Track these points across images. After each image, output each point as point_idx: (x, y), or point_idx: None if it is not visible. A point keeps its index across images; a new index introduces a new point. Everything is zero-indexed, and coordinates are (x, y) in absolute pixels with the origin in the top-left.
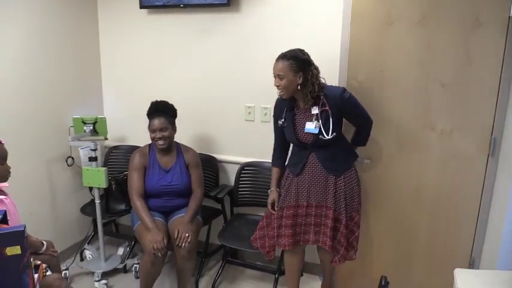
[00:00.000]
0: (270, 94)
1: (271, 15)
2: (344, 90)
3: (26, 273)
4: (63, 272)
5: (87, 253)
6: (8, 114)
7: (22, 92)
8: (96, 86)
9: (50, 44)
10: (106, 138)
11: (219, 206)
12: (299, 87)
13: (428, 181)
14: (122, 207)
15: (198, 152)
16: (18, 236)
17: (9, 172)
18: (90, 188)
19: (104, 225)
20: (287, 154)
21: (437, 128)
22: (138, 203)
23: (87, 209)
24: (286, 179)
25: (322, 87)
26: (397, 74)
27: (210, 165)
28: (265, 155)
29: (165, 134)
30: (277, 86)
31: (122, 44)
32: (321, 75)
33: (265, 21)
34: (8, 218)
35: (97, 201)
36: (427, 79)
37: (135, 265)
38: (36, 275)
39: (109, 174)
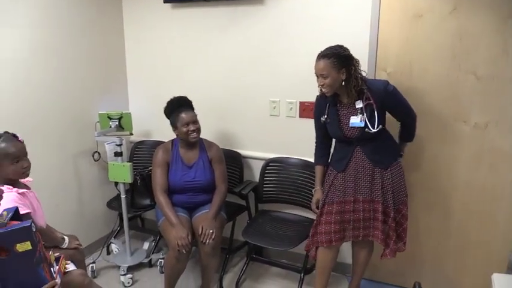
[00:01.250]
0: (295, 88)
1: (297, 8)
2: (388, 83)
3: (41, 268)
4: (90, 265)
5: (114, 247)
6: (37, 109)
7: (50, 88)
8: (121, 81)
9: (76, 40)
10: (131, 134)
11: (243, 202)
12: (343, 83)
13: (460, 176)
14: (147, 202)
15: (222, 147)
16: (26, 232)
17: (25, 169)
18: (116, 183)
19: (130, 219)
20: (329, 151)
21: (470, 121)
22: (161, 199)
23: (113, 203)
24: (328, 176)
25: (365, 80)
26: (427, 65)
27: (235, 161)
28: (290, 150)
29: (198, 126)
30: (322, 85)
31: (146, 39)
32: None
33: (290, 13)
34: (30, 211)
35: (122, 196)
36: (459, 71)
37: (160, 260)
38: (56, 267)
39: (134, 169)
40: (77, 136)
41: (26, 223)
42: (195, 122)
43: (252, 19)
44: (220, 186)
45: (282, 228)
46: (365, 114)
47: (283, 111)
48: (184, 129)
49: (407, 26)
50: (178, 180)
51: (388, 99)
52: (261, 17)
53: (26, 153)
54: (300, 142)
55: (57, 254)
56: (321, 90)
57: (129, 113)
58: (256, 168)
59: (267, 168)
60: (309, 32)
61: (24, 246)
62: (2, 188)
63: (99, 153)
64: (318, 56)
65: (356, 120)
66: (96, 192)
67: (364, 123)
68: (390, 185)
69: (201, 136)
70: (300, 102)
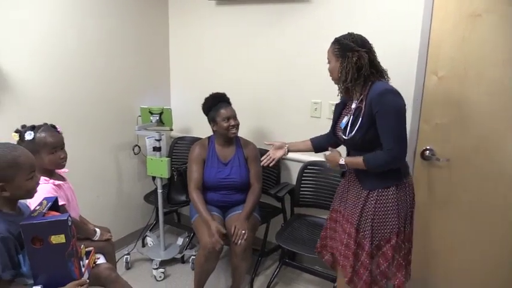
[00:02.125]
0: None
1: (344, 6)
2: (386, 90)
3: (72, 262)
4: (124, 256)
5: (149, 240)
6: (82, 102)
7: (95, 81)
8: (164, 77)
9: (122, 35)
10: (171, 129)
11: (278, 205)
12: (339, 74)
13: (508, 188)
14: (183, 198)
15: (259, 147)
16: (62, 225)
17: (62, 159)
18: (154, 177)
19: (166, 214)
20: (327, 141)
21: None
22: (194, 195)
23: (150, 197)
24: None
25: (371, 82)
26: (482, 71)
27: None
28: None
29: (238, 122)
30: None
31: (190, 35)
32: (396, 68)
33: (336, 11)
34: (65, 203)
35: (159, 190)
36: None
37: (192, 256)
38: (86, 261)
39: (172, 165)
40: (119, 129)
41: (63, 216)
42: (235, 117)
43: (296, 17)
44: (255, 185)
45: (317, 234)
46: (352, 116)
47: (324, 113)
48: (225, 124)
49: (463, 25)
50: (212, 177)
51: (374, 108)
52: (306, 15)
53: (63, 145)
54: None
55: (89, 248)
56: None
57: (170, 109)
58: (294, 170)
59: (305, 171)
60: (355, 31)
61: (58, 239)
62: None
63: (139, 147)
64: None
65: (344, 121)
66: (135, 185)
67: (344, 125)
68: (371, 212)
69: (238, 134)
70: None
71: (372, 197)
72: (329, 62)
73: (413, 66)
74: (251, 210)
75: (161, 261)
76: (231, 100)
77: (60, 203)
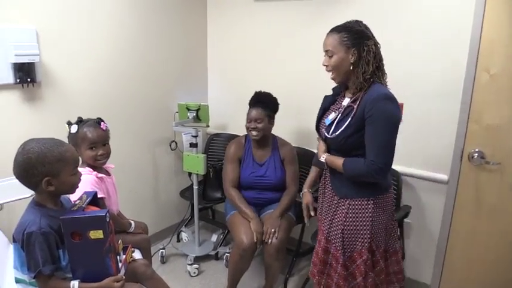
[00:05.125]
0: None
1: (386, 1)
2: (385, 96)
3: (109, 257)
4: (160, 250)
5: (184, 235)
6: (121, 98)
7: (135, 77)
8: (202, 73)
9: (159, 31)
10: (208, 126)
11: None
12: (351, 67)
13: None
14: (218, 195)
15: (298, 146)
16: (100, 221)
17: (100, 156)
18: (190, 174)
19: (200, 210)
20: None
21: None
22: (233, 193)
23: (186, 193)
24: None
25: (372, 81)
26: None
27: (310, 161)
28: None
29: (260, 125)
30: (326, 66)
31: (228, 32)
32: (443, 63)
33: (380, 6)
34: (105, 197)
35: (195, 186)
36: None
37: (226, 254)
38: (123, 256)
39: (208, 161)
40: (157, 125)
41: (102, 212)
42: (258, 120)
43: (336, 14)
44: (291, 187)
45: None
46: (340, 115)
47: None
48: (246, 125)
49: None
50: (247, 176)
51: (367, 110)
52: (348, 11)
53: (105, 141)
54: None
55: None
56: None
57: (207, 105)
58: None
59: None
60: (400, 26)
61: (96, 234)
62: (83, 169)
63: (176, 143)
64: (328, 32)
65: (330, 117)
66: (171, 181)
67: (329, 122)
68: (341, 222)
69: (276, 133)
70: None
71: (343, 205)
72: (331, 55)
73: (463, 62)
74: (284, 210)
75: (195, 257)
76: None
77: (100, 195)
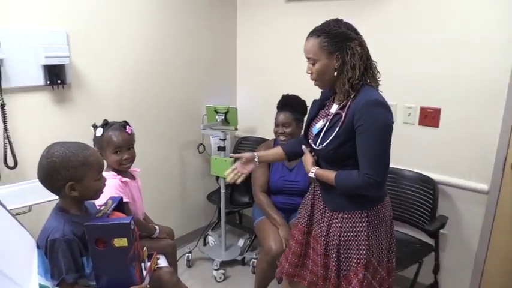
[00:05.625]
0: (416, 92)
1: (423, 2)
2: (376, 102)
3: (133, 266)
4: (186, 254)
5: (210, 239)
6: (149, 99)
7: (162, 80)
8: (231, 76)
9: (188, 33)
10: (236, 129)
11: None
12: (336, 73)
13: None
14: (246, 199)
15: None
16: (125, 229)
17: (125, 160)
18: (217, 177)
19: (227, 214)
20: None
21: None
22: (262, 198)
23: (213, 196)
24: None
25: (361, 84)
26: None
27: None
28: (404, 161)
29: (287, 130)
30: (310, 74)
31: (258, 33)
32: (484, 62)
33: (415, 8)
34: (129, 201)
35: (222, 190)
36: None
37: (253, 259)
38: (148, 263)
39: None
40: (185, 127)
41: (126, 219)
42: (285, 125)
43: (370, 14)
44: None
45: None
46: (328, 123)
47: (399, 117)
48: (274, 129)
49: None
50: (276, 180)
51: (357, 118)
52: (380, 12)
53: (130, 145)
54: (416, 153)
55: (152, 251)
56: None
57: (236, 108)
58: None
59: None
60: (436, 29)
61: (120, 242)
62: (107, 173)
63: (203, 146)
64: (309, 32)
65: (318, 125)
66: (198, 184)
67: (317, 131)
68: (336, 237)
69: None
70: (421, 108)
71: (336, 219)
72: (314, 62)
73: (507, 67)
74: None
75: (222, 261)
76: None
77: (124, 200)
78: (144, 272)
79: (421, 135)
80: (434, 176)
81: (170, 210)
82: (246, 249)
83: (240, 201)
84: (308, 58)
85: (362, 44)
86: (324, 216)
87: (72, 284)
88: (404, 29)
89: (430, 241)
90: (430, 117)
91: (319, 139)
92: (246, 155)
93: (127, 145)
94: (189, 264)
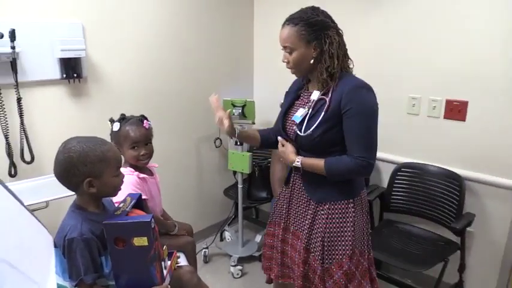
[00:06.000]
0: (442, 85)
1: None
2: (362, 84)
3: (153, 266)
4: (203, 250)
5: (227, 235)
6: (166, 93)
7: (178, 73)
8: (248, 69)
9: (205, 27)
10: (253, 123)
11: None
12: (313, 61)
13: None
14: (263, 195)
15: None
16: (145, 227)
17: (143, 156)
18: (234, 172)
19: (244, 209)
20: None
21: None
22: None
23: (230, 191)
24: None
25: (341, 75)
26: None
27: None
28: (428, 156)
29: None
30: (286, 63)
31: (276, 26)
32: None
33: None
34: (147, 198)
35: (239, 185)
36: None
37: None
38: (168, 262)
39: (253, 160)
40: (201, 121)
41: (147, 218)
42: None
43: (396, 5)
44: None
45: (410, 244)
46: (311, 110)
47: (424, 110)
48: None
49: None
50: None
51: (344, 103)
52: (406, 3)
53: (148, 140)
54: (441, 147)
55: (172, 250)
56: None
57: (253, 102)
58: (385, 171)
59: (399, 173)
60: (466, 20)
61: (140, 241)
62: (125, 169)
63: (220, 140)
64: (285, 20)
65: (298, 113)
66: (215, 179)
67: (300, 119)
68: (321, 229)
69: None
70: (447, 101)
71: (322, 210)
72: (291, 51)
73: None
74: None
75: (239, 257)
76: None
77: (143, 196)
78: (165, 272)
79: (447, 129)
80: (461, 171)
81: (186, 205)
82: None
83: (258, 196)
84: (284, 47)
85: (339, 33)
86: (308, 209)
87: (91, 285)
88: (428, 19)
89: (456, 239)
90: (456, 110)
91: (304, 126)
92: (228, 122)
93: (144, 140)
94: (206, 259)
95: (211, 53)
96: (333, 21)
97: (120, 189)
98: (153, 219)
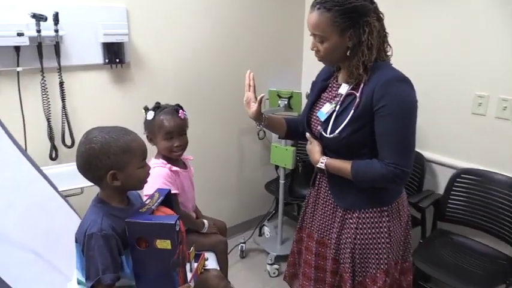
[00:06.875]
0: None
1: None
2: (398, 78)
3: (176, 272)
4: (240, 244)
5: (266, 230)
6: (209, 82)
7: (223, 61)
8: (296, 60)
9: (253, 13)
10: (299, 115)
11: (417, 215)
12: (348, 52)
13: None
14: (306, 192)
15: None
16: (169, 230)
17: (177, 148)
18: (277, 166)
19: (285, 205)
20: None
21: None
22: None
23: (272, 186)
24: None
25: (375, 60)
26: None
27: (415, 163)
28: (494, 162)
29: None
30: (316, 52)
31: None
32: None
33: None
34: (178, 192)
35: (281, 181)
36: None
37: None
38: (195, 265)
39: (297, 155)
40: (245, 111)
41: (171, 220)
42: None
43: None
44: None
45: (466, 260)
46: (339, 106)
47: (491, 110)
48: None
49: None
50: None
51: (377, 98)
52: None
53: (182, 131)
54: (509, 154)
55: (201, 251)
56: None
57: (300, 93)
58: (442, 176)
59: (458, 180)
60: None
61: (163, 244)
62: (157, 160)
63: (264, 132)
64: (313, 2)
65: (324, 109)
66: (256, 172)
67: (326, 117)
68: (351, 240)
69: None
70: None
71: (351, 218)
72: (322, 40)
73: None
74: None
75: (276, 256)
76: None
77: (173, 191)
78: (189, 276)
79: None
80: None
81: (226, 197)
82: None
83: (300, 193)
84: (314, 35)
85: (380, 17)
86: (335, 216)
87: (110, 286)
88: (506, 10)
89: None
90: None
91: (330, 125)
92: (257, 107)
93: (179, 131)
94: (243, 254)
95: (258, 41)
96: (372, 2)
97: (146, 182)
98: (178, 222)
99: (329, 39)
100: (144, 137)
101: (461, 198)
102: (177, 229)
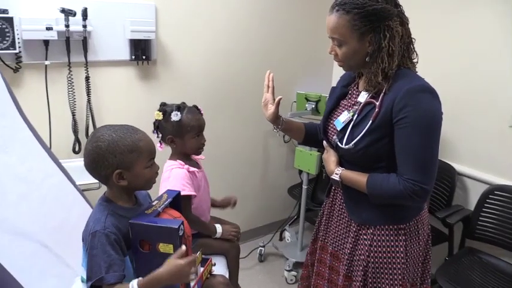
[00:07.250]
0: None
1: None
2: (422, 88)
3: None
4: (259, 248)
5: (287, 235)
6: (235, 82)
7: (251, 61)
8: (327, 63)
9: (283, 13)
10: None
11: (445, 230)
12: (368, 58)
13: None
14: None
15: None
16: (171, 234)
17: (202, 145)
18: (300, 171)
19: (307, 211)
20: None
21: None
22: None
23: (294, 191)
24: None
25: (398, 67)
26: None
27: (445, 176)
28: None
29: None
30: (334, 56)
31: None
32: None
33: None
34: (195, 194)
35: (304, 186)
36: None
37: None
38: (201, 269)
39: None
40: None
41: (174, 224)
42: None
43: None
44: None
45: (494, 281)
46: (357, 115)
47: None
48: None
49: None
50: None
51: (398, 109)
52: None
53: (202, 129)
54: None
55: (207, 257)
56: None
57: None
58: (474, 192)
59: (490, 196)
60: None
61: (166, 248)
62: (174, 161)
63: None
64: (332, 4)
65: (342, 118)
66: (280, 175)
67: (343, 126)
68: (364, 256)
69: None
70: None
71: (365, 235)
72: (341, 44)
73: None
74: None
75: (295, 262)
76: None
77: (189, 193)
78: (193, 282)
79: None
80: None
81: (248, 198)
82: None
83: (322, 200)
84: (333, 38)
85: (403, 21)
86: (349, 231)
87: (112, 285)
88: None
89: None
90: None
91: (346, 135)
92: (274, 110)
93: (203, 129)
94: (261, 258)
95: (287, 42)
96: (397, 5)
97: (154, 182)
98: (182, 226)
99: (347, 44)
100: (152, 136)
101: (493, 216)
102: (181, 234)
